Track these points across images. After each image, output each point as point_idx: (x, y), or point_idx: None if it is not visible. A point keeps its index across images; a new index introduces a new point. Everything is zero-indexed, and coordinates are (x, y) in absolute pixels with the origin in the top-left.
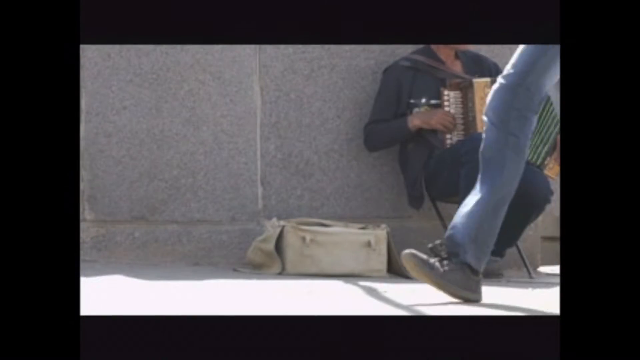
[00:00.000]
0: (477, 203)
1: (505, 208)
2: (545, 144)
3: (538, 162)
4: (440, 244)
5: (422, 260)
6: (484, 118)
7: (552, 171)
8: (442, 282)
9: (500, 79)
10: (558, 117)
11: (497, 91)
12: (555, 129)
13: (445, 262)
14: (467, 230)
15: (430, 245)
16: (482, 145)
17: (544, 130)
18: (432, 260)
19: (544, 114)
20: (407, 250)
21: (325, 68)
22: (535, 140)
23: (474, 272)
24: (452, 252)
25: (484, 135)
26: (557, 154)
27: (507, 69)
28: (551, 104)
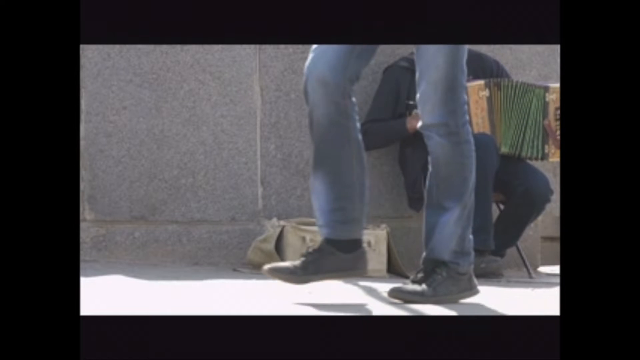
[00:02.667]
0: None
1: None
2: (538, 135)
3: (540, 156)
4: (418, 272)
5: (409, 292)
6: None
7: (555, 155)
8: (437, 299)
9: None
10: (539, 103)
11: None
12: (540, 116)
13: (429, 280)
14: (443, 246)
15: (412, 278)
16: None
17: (532, 123)
18: (416, 287)
19: (526, 105)
20: (391, 288)
21: None
22: (528, 136)
23: (459, 273)
24: (428, 270)
25: None
26: (552, 138)
27: None
28: (531, 94)
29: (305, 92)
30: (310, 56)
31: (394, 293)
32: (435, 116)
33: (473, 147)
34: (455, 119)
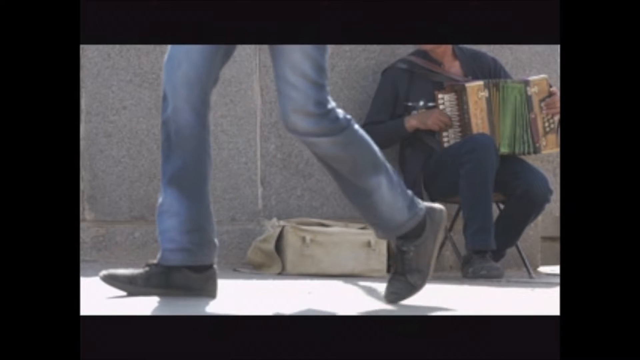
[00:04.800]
0: None
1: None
2: (527, 130)
3: (532, 150)
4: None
5: (400, 289)
6: None
7: (548, 147)
8: (428, 270)
9: None
10: (521, 98)
11: None
12: (525, 110)
13: (405, 265)
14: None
15: (390, 277)
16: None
17: (520, 118)
18: (402, 281)
19: (512, 103)
20: (385, 296)
21: None
22: (518, 132)
23: (421, 224)
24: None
25: None
26: (539, 130)
27: None
28: (515, 91)
29: (165, 97)
30: (171, 54)
31: (391, 297)
32: (310, 123)
33: (351, 123)
34: (327, 114)
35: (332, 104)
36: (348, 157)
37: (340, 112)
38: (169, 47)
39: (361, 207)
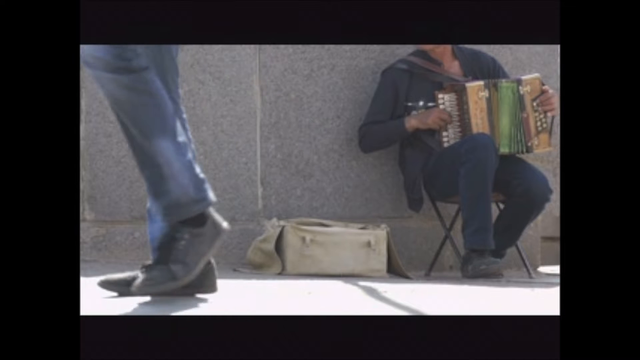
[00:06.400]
0: None
1: None
2: (519, 129)
3: (524, 149)
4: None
5: (151, 281)
6: None
7: (540, 146)
8: (193, 271)
9: None
10: (514, 97)
11: None
12: (518, 110)
13: (172, 254)
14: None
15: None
16: None
17: (513, 118)
18: (157, 270)
19: (506, 101)
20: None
21: (325, 68)
22: (512, 132)
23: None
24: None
25: None
26: (531, 129)
27: None
28: (508, 90)
29: None
30: None
31: (145, 284)
32: (99, 50)
33: (145, 72)
34: (121, 49)
35: (133, 46)
36: (130, 104)
37: (138, 57)
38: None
39: (148, 177)
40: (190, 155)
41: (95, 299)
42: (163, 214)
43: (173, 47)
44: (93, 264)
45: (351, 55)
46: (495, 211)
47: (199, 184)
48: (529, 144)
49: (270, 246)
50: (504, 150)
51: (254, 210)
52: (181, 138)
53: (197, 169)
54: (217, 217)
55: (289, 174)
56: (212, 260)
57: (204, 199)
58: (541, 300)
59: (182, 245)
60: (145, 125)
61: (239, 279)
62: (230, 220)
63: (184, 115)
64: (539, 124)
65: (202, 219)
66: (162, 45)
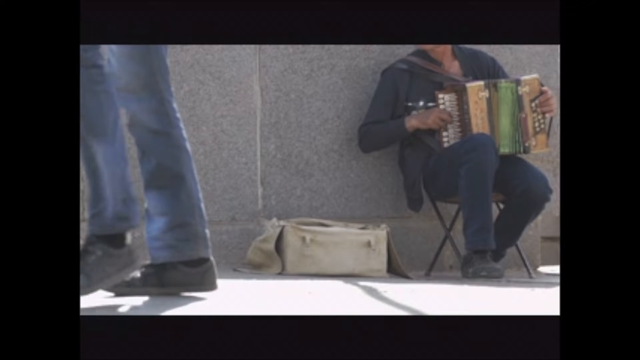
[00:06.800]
0: None
1: None
2: (517, 129)
3: (522, 149)
4: None
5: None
6: None
7: (538, 147)
8: (92, 288)
9: None
10: (513, 97)
11: None
12: (516, 110)
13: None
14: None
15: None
16: None
17: (511, 118)
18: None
19: (506, 101)
20: None
21: (325, 68)
22: (510, 133)
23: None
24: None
25: None
26: (529, 129)
27: None
28: (507, 90)
29: None
30: None
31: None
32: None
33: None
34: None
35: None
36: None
37: (94, 52)
38: None
39: (87, 177)
40: (124, 166)
41: (95, 299)
42: (94, 226)
43: (162, 46)
44: None
45: (351, 55)
46: (495, 211)
47: (128, 200)
48: (527, 145)
49: (270, 246)
50: (504, 150)
51: (254, 210)
52: (119, 146)
53: (130, 184)
54: (135, 248)
55: (289, 174)
56: (212, 259)
57: (127, 219)
58: (541, 300)
59: (91, 260)
60: (90, 122)
61: (239, 279)
62: (230, 220)
63: (178, 115)
64: (537, 124)
65: (120, 241)
66: (150, 44)
